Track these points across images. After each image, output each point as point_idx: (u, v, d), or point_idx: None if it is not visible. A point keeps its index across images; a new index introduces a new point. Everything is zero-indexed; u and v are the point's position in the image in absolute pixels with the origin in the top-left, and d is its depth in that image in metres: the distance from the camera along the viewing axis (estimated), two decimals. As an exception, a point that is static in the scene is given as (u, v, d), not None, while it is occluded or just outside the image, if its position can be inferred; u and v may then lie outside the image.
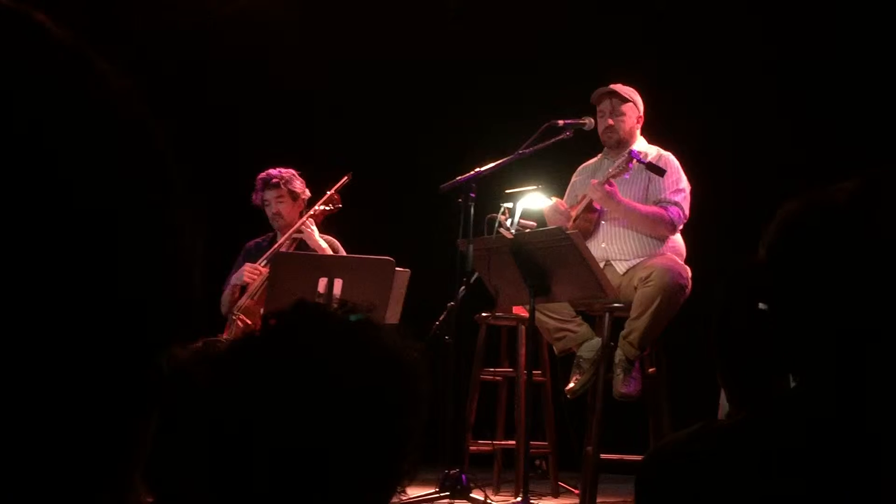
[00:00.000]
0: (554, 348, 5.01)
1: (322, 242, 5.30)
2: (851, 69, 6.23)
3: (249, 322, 5.17)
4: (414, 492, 4.46)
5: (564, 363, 5.01)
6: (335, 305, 1.15)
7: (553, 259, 4.34)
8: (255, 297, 5.23)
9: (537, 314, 4.60)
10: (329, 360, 1.08)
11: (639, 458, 4.87)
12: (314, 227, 5.32)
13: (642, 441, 4.89)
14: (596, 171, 5.18)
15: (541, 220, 5.02)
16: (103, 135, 0.59)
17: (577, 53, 6.58)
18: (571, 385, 4.89)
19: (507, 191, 4.98)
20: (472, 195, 4.66)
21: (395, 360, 1.12)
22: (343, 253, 5.35)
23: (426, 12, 7.04)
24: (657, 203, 4.91)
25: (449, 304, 4.82)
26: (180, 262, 0.61)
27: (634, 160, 4.80)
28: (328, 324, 1.11)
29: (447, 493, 4.50)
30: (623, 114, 5.06)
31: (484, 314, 5.16)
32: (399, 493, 1.14)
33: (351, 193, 5.44)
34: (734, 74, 6.42)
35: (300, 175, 5.54)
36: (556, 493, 5.27)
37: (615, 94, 5.06)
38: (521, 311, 4.98)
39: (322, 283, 4.69)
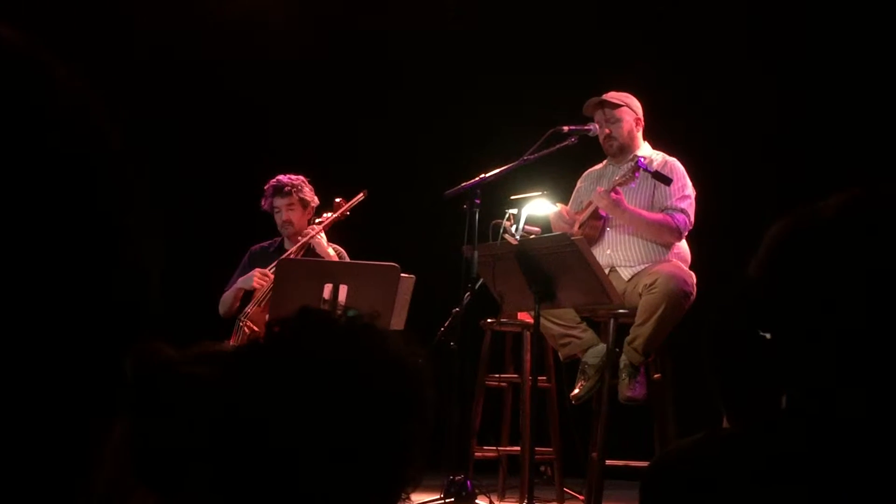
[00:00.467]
0: (559, 354, 5.01)
1: (331, 252, 5.31)
2: (853, 73, 6.23)
3: (256, 329, 5.17)
4: (418, 498, 4.46)
5: (569, 369, 5.01)
6: (340, 312, 1.15)
7: (558, 265, 4.34)
8: (262, 304, 5.23)
9: (542, 320, 4.60)
10: (334, 366, 1.08)
11: (644, 464, 4.85)
12: (323, 236, 5.33)
13: (647, 447, 4.89)
14: (601, 177, 5.18)
15: (546, 226, 5.02)
16: (52, 144, 0.59)
17: (582, 59, 6.58)
18: (576, 391, 4.89)
19: (512, 197, 4.98)
20: (477, 201, 4.66)
21: (400, 365, 1.12)
22: (348, 260, 5.35)
23: (431, 18, 7.05)
24: (663, 210, 4.91)
25: (454, 310, 4.82)
26: (133, 265, 0.62)
27: (641, 169, 4.81)
28: (332, 330, 1.11)
29: (452, 500, 4.50)
30: (619, 119, 5.06)
31: (489, 320, 5.16)
32: (403, 499, 1.14)
33: (355, 206, 5.45)
34: (739, 80, 6.41)
35: (308, 181, 5.55)
36: (561, 500, 5.26)
37: (605, 102, 5.06)
38: (526, 317, 4.98)
39: (327, 290, 4.69)
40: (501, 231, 4.67)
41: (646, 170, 4.80)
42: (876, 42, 6.16)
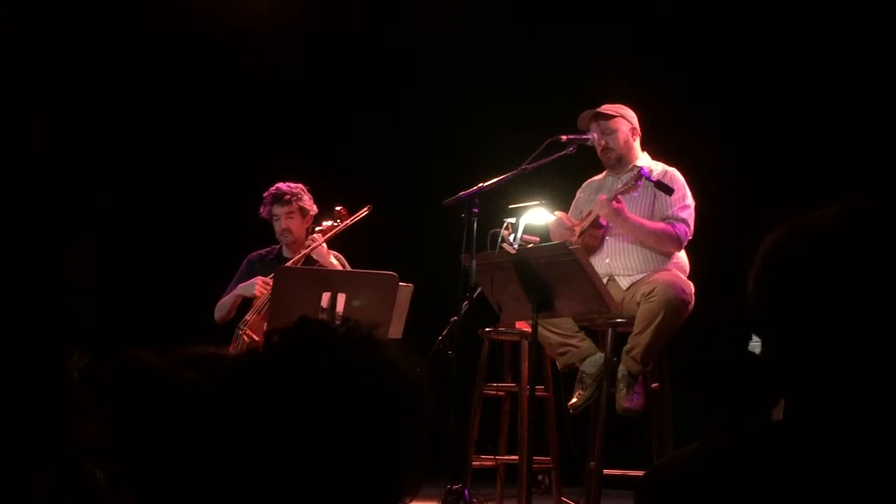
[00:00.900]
0: (557, 363, 5.01)
1: (334, 261, 5.31)
2: (854, 83, 6.23)
3: (256, 338, 5.17)
4: (416, 507, 4.45)
5: (567, 378, 5.01)
6: (338, 322, 1.15)
7: (556, 274, 4.34)
8: (262, 313, 5.23)
9: (540, 329, 4.60)
10: (332, 375, 1.08)
11: (642, 473, 4.86)
12: (324, 245, 5.32)
13: (645, 457, 4.88)
14: (601, 188, 5.18)
15: (544, 235, 5.02)
16: None
17: (581, 68, 6.59)
18: (574, 400, 4.88)
19: (511, 206, 4.98)
20: (476, 210, 4.66)
21: (398, 374, 1.12)
22: (348, 268, 5.35)
23: (432, 27, 7.06)
24: (664, 219, 4.91)
25: (452, 319, 4.81)
26: (62, 277, 0.65)
27: (644, 178, 4.81)
28: (331, 339, 1.11)
29: (450, 509, 4.49)
30: (614, 131, 5.06)
31: (487, 329, 5.16)
32: (401, 508, 1.14)
33: (355, 208, 5.45)
34: (737, 90, 6.42)
35: (308, 189, 5.55)
36: (558, 509, 5.26)
37: (599, 114, 5.07)
38: (524, 326, 4.98)
39: (325, 298, 4.69)
40: (499, 240, 4.68)
41: (648, 179, 4.81)
42: (877, 49, 6.17)
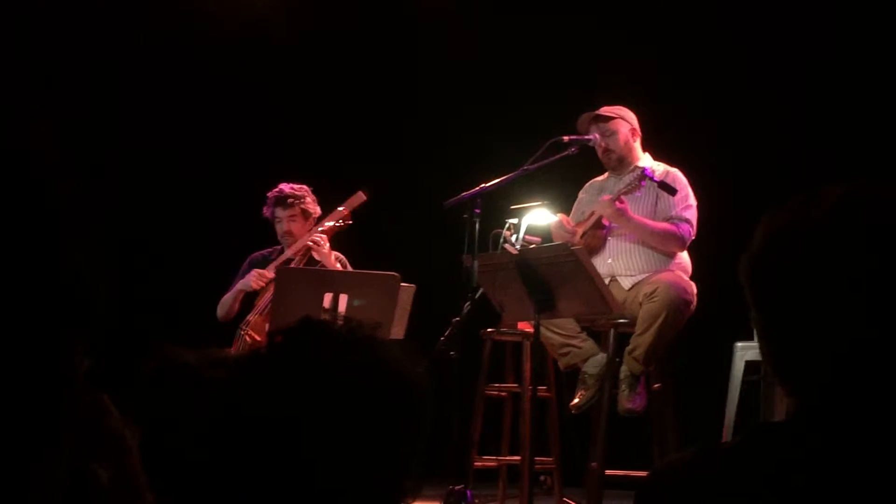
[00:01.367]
0: (559, 364, 5.01)
1: (336, 263, 5.31)
2: (853, 78, 6.23)
3: (258, 338, 5.17)
4: (418, 507, 4.45)
5: (569, 379, 5.01)
6: (340, 322, 1.15)
7: (558, 275, 4.34)
8: (264, 314, 5.23)
9: (542, 330, 4.60)
10: (334, 375, 1.08)
11: (643, 474, 4.86)
12: (327, 245, 5.31)
13: (647, 457, 4.88)
14: (603, 189, 5.18)
15: (546, 235, 5.02)
16: None
17: (582, 69, 6.59)
18: (576, 401, 4.88)
19: (513, 207, 4.98)
20: (478, 211, 4.66)
21: (400, 375, 1.12)
22: (350, 269, 5.35)
23: (433, 26, 7.06)
24: (667, 220, 4.92)
25: (454, 320, 4.81)
26: (75, 267, 0.66)
27: (647, 178, 4.82)
28: (333, 340, 1.11)
29: (452, 509, 4.49)
30: (614, 132, 5.07)
31: (489, 330, 5.16)
32: (403, 508, 1.14)
33: (356, 209, 5.45)
34: (738, 88, 6.42)
35: (311, 191, 5.54)
36: (560, 510, 5.26)
37: (599, 116, 5.07)
38: (526, 326, 4.97)
39: (327, 299, 4.69)
40: (501, 241, 4.68)
41: (652, 179, 4.81)
42: (878, 50, 6.17)
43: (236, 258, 5.70)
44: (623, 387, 4.75)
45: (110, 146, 6.94)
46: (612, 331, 4.75)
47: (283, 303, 4.70)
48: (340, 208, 5.38)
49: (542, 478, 5.99)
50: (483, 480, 5.40)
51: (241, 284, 5.40)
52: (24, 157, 0.65)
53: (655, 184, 4.84)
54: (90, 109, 6.79)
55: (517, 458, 5.13)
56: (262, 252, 5.62)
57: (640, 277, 4.89)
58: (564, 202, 5.27)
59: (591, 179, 5.34)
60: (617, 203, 4.84)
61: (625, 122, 5.10)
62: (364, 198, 5.27)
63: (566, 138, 4.92)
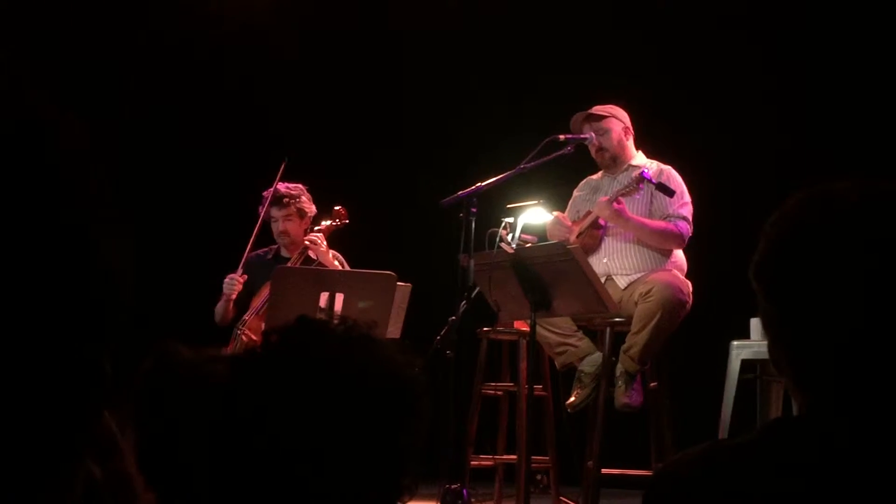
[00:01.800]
0: (555, 363, 5.01)
1: (334, 262, 5.30)
2: (852, 78, 6.23)
3: (254, 338, 5.16)
4: (415, 506, 4.44)
5: (566, 378, 5.01)
6: (336, 321, 1.15)
7: (554, 274, 4.34)
8: (260, 313, 5.23)
9: (538, 329, 4.60)
10: (330, 374, 1.08)
11: (640, 472, 4.87)
12: (324, 244, 5.31)
13: (643, 456, 4.89)
14: (598, 188, 5.18)
15: (542, 234, 5.03)
16: (17, 152, 0.63)
17: (578, 68, 6.59)
18: (572, 399, 4.89)
19: (509, 206, 4.98)
20: (474, 210, 4.66)
21: (396, 374, 1.12)
22: (347, 268, 5.35)
23: (430, 26, 7.05)
24: (665, 218, 4.92)
25: (450, 319, 4.81)
26: (104, 267, 0.65)
27: (646, 181, 4.82)
28: (329, 338, 1.11)
29: (448, 508, 4.49)
30: (607, 130, 5.08)
31: (485, 329, 5.16)
32: (400, 507, 1.14)
33: (353, 208, 5.45)
34: (733, 87, 6.42)
35: (307, 190, 5.54)
36: (557, 508, 5.26)
37: (591, 115, 5.08)
38: (522, 325, 4.98)
39: (324, 298, 4.69)
40: (498, 240, 4.68)
41: (650, 181, 4.82)
42: (879, 48, 6.17)
43: (232, 258, 5.69)
44: (619, 383, 4.75)
45: (110, 145, 6.93)
46: (608, 330, 4.75)
47: (280, 302, 4.70)
48: (337, 208, 5.38)
49: (538, 477, 5.98)
50: (479, 479, 5.40)
51: (224, 293, 5.38)
52: (57, 154, 0.65)
53: (653, 186, 4.85)
54: (90, 109, 6.78)
55: (513, 457, 5.13)
56: (257, 252, 5.61)
57: (635, 276, 4.89)
58: (560, 201, 5.27)
59: (585, 178, 5.34)
60: (614, 204, 4.84)
61: (617, 120, 5.10)
62: (284, 164, 5.30)
63: (562, 137, 4.93)
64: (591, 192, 5.18)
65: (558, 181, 5.41)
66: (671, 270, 4.89)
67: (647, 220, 4.91)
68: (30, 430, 0.61)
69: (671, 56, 6.63)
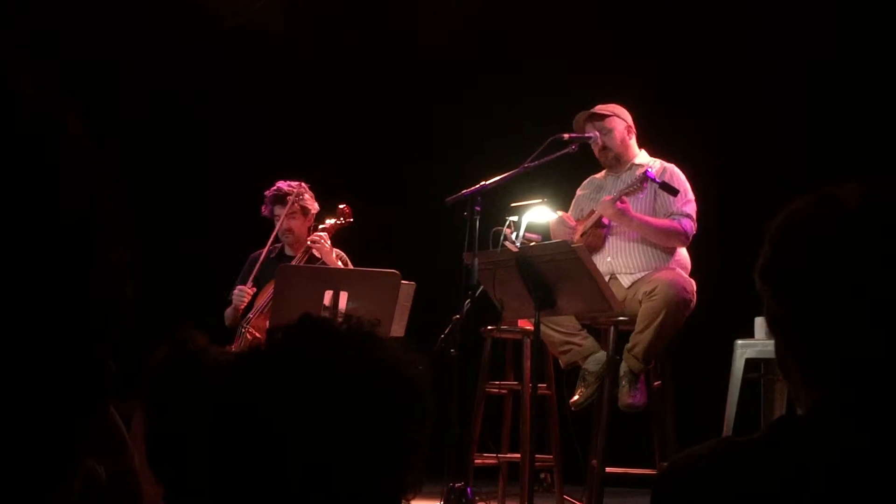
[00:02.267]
0: (559, 361, 5.01)
1: (338, 261, 5.30)
2: (854, 77, 6.23)
3: (259, 335, 5.17)
4: (418, 505, 4.44)
5: (570, 376, 5.01)
6: (340, 319, 1.15)
7: (558, 272, 4.34)
8: (265, 311, 5.23)
9: (543, 327, 4.60)
10: (334, 372, 1.09)
11: (644, 471, 4.87)
12: (328, 242, 5.31)
13: (647, 455, 4.89)
14: (601, 187, 5.18)
15: (546, 233, 5.03)
16: (20, 150, 0.63)
17: (583, 67, 6.58)
18: (576, 398, 4.89)
19: (513, 204, 4.98)
20: (478, 208, 4.66)
21: (400, 372, 1.12)
22: (351, 267, 5.35)
23: (433, 23, 7.05)
24: (668, 216, 4.93)
25: (454, 318, 4.82)
26: (107, 267, 0.66)
27: (650, 180, 4.82)
28: (333, 337, 1.11)
29: (452, 507, 4.49)
30: (611, 129, 5.08)
31: (489, 327, 5.16)
32: (403, 505, 1.14)
33: (358, 206, 5.45)
34: (736, 87, 6.42)
35: (309, 187, 5.54)
36: (561, 507, 5.26)
37: (594, 115, 5.08)
38: (526, 324, 4.98)
39: (328, 296, 4.69)
40: (502, 238, 4.67)
41: (654, 181, 4.82)
42: (881, 47, 6.16)
43: (236, 256, 5.70)
44: (623, 383, 4.75)
45: (108, 145, 6.94)
46: (612, 328, 4.75)
47: (284, 300, 4.70)
48: (341, 206, 5.39)
49: (542, 475, 5.99)
50: (483, 478, 5.40)
51: (233, 303, 5.40)
52: (57, 153, 0.65)
53: (657, 185, 4.85)
54: (88, 108, 6.78)
55: (517, 455, 5.13)
56: (261, 250, 5.62)
57: (639, 275, 4.89)
58: (564, 200, 5.27)
59: (589, 176, 5.34)
60: (618, 203, 4.84)
61: (620, 119, 5.10)
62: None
63: (566, 136, 4.93)
64: (595, 191, 5.18)
65: (562, 180, 5.41)
66: (675, 269, 4.88)
67: (650, 219, 4.91)
68: (30, 428, 0.61)
69: (674, 55, 6.62)
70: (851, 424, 1.15)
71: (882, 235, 1.16)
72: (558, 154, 4.89)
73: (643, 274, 4.88)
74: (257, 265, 5.38)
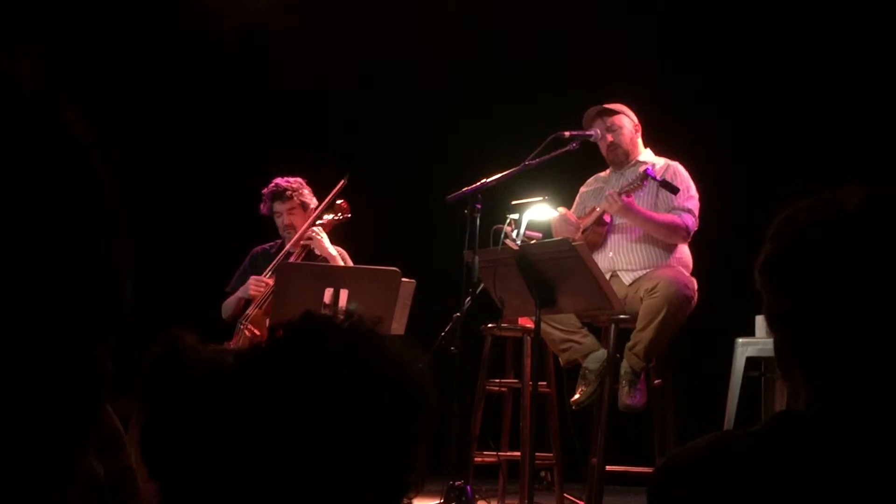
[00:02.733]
0: (560, 359, 5.01)
1: (332, 250, 5.29)
2: (862, 77, 6.22)
3: (258, 332, 5.16)
4: (418, 503, 4.44)
5: (570, 374, 5.01)
6: (341, 316, 1.15)
7: (559, 270, 4.34)
8: (263, 307, 5.23)
9: (543, 325, 4.60)
10: (335, 370, 1.08)
11: (644, 469, 4.87)
12: (324, 235, 5.30)
13: (648, 453, 4.88)
14: (605, 184, 5.18)
15: (547, 231, 5.02)
16: (19, 150, 0.63)
17: (584, 64, 6.58)
18: (577, 396, 4.88)
19: (513, 202, 4.98)
20: (479, 206, 4.66)
21: (401, 370, 1.12)
22: (351, 263, 5.34)
23: (432, 21, 7.05)
24: (670, 211, 4.93)
25: (455, 315, 4.81)
26: (106, 266, 0.66)
27: (650, 178, 4.82)
28: (334, 334, 1.11)
29: (452, 505, 4.49)
30: (620, 127, 5.09)
31: (490, 325, 5.16)
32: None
33: (357, 204, 5.44)
34: (740, 83, 6.42)
35: (307, 183, 5.54)
36: (561, 505, 5.26)
37: (605, 110, 5.09)
38: (526, 322, 4.97)
39: (328, 294, 4.69)
40: (502, 236, 4.67)
41: (654, 178, 4.83)
42: (883, 46, 6.16)
43: (237, 252, 5.70)
44: (623, 383, 4.75)
45: (108, 144, 6.93)
46: (612, 326, 4.75)
47: (284, 297, 4.70)
48: (340, 202, 5.38)
49: (542, 473, 5.99)
50: (483, 476, 5.41)
51: (241, 291, 5.39)
52: (58, 152, 0.65)
53: (658, 183, 4.85)
54: (87, 107, 6.78)
55: (517, 453, 5.13)
56: (263, 246, 5.62)
57: (640, 273, 4.89)
58: (565, 197, 5.27)
59: (591, 174, 5.34)
60: (623, 197, 4.84)
61: (628, 117, 5.12)
62: (345, 183, 5.25)
63: (567, 134, 4.93)
64: (599, 189, 5.18)
65: (563, 177, 5.41)
66: (676, 267, 4.88)
67: (654, 214, 4.91)
68: (30, 427, 0.61)
69: (674, 55, 6.62)
70: (850, 418, 1.15)
71: (881, 234, 1.17)
72: (559, 152, 4.89)
73: (644, 271, 4.88)
74: (276, 258, 5.34)
